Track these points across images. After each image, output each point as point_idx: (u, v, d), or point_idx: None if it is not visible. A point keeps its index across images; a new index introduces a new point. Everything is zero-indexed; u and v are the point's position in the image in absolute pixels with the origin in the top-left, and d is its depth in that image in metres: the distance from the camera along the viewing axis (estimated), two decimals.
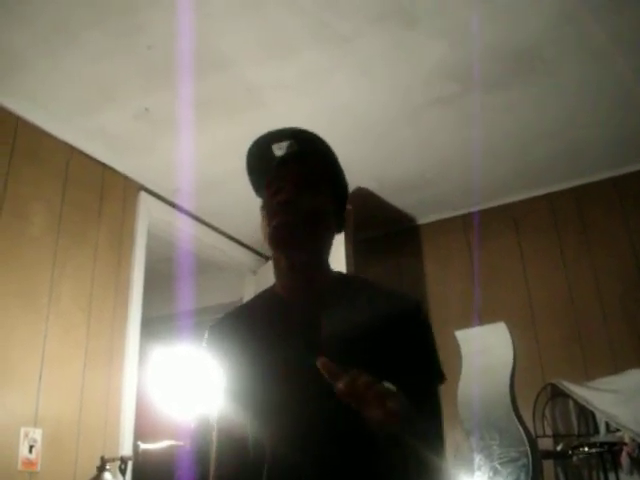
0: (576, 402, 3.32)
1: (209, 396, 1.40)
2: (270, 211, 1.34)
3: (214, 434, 1.39)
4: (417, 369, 1.28)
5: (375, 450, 1.18)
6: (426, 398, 1.25)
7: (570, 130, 3.38)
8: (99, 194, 3.32)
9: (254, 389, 1.30)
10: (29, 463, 2.63)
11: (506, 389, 3.00)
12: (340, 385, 1.02)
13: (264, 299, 1.46)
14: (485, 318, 3.63)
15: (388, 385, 1.05)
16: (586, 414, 3.34)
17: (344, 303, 1.34)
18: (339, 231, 1.43)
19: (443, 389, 1.31)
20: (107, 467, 2.68)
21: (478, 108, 3.13)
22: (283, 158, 1.35)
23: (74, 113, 3.04)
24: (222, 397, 1.37)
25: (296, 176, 1.34)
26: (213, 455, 1.39)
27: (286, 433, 1.25)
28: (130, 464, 2.81)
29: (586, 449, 3.17)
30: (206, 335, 1.46)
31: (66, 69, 2.76)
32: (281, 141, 1.35)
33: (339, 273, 1.45)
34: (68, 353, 2.94)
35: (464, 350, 3.17)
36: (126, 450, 3.00)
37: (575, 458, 3.25)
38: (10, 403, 2.66)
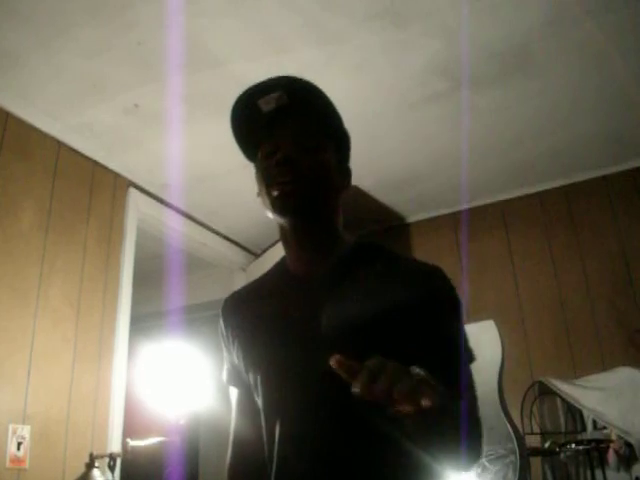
0: (564, 400, 3.34)
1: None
2: (267, 174, 1.23)
3: (232, 410, 1.37)
4: (443, 347, 1.16)
5: (385, 435, 1.07)
6: (455, 379, 1.10)
7: (560, 128, 3.40)
8: (88, 190, 3.31)
9: (264, 364, 1.25)
10: (17, 460, 2.61)
11: (494, 386, 3.01)
12: (357, 389, 0.83)
13: (275, 273, 1.36)
14: (474, 316, 3.63)
15: (418, 371, 0.88)
16: (573, 412, 3.37)
17: (359, 275, 1.23)
18: (345, 187, 1.32)
19: None
20: (96, 464, 2.68)
21: (468, 106, 3.13)
22: (272, 113, 1.24)
23: (64, 109, 3.02)
24: (235, 372, 1.35)
25: (291, 131, 1.23)
26: (231, 431, 1.36)
27: (294, 409, 1.21)
28: (119, 461, 2.82)
29: (573, 446, 3.20)
30: (222, 307, 1.41)
31: (56, 64, 2.74)
32: (268, 94, 1.23)
33: (354, 239, 1.32)
34: (57, 350, 2.93)
35: None
36: (115, 447, 2.99)
37: (562, 455, 3.27)
38: None
